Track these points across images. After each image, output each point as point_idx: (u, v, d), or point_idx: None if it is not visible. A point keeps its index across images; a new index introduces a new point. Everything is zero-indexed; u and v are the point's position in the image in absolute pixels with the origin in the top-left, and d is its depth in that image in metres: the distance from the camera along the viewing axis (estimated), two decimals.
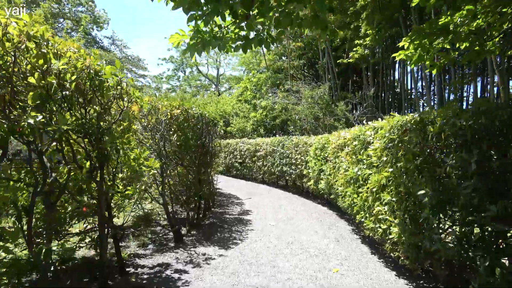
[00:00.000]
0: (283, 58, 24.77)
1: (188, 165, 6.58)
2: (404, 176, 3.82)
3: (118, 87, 3.67)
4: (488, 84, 15.70)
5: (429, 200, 3.22)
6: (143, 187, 4.48)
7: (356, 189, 5.68)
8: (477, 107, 2.84)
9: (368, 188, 4.89)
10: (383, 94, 20.49)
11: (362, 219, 5.33)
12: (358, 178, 5.56)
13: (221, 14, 3.60)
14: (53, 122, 2.85)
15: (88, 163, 3.73)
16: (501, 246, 2.63)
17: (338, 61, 18.85)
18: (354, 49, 16.84)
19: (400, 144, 3.96)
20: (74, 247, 4.32)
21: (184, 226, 6.45)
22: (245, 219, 7.57)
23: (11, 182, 2.82)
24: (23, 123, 2.56)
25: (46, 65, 2.74)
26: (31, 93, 2.57)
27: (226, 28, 3.98)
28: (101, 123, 3.80)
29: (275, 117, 19.74)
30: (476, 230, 2.87)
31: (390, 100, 20.64)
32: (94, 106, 3.52)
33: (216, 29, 3.91)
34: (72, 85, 3.06)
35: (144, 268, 4.51)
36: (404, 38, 4.32)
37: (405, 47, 4.39)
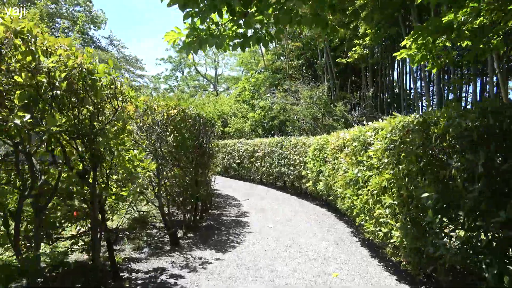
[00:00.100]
0: (282, 58, 24.66)
1: (185, 166, 6.45)
2: (407, 179, 3.71)
3: (112, 86, 3.54)
4: (487, 84, 15.65)
5: (433, 203, 3.11)
6: (138, 189, 4.36)
7: (356, 191, 5.57)
8: (484, 107, 2.73)
9: (368, 190, 4.78)
10: (381, 94, 20.42)
11: (362, 222, 5.22)
12: (358, 179, 5.45)
13: (218, 11, 3.49)
14: (43, 123, 2.73)
15: (81, 165, 3.62)
16: (510, 253, 2.52)
17: (337, 60, 18.76)
18: (353, 48, 16.76)
19: (402, 146, 3.85)
20: (66, 251, 4.20)
21: (181, 229, 6.32)
22: (243, 221, 7.45)
23: None
24: (10, 124, 2.45)
25: (34, 63, 2.61)
26: (18, 92, 2.45)
27: (223, 26, 3.86)
28: (94, 124, 3.69)
29: (274, 117, 19.63)
30: (482, 235, 2.77)
31: (389, 100, 20.58)
32: (87, 106, 3.40)
33: (213, 26, 3.79)
34: (63, 84, 2.94)
35: (138, 273, 4.38)
36: (406, 37, 4.21)
37: (407, 46, 4.29)
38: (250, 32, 3.76)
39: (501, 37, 3.76)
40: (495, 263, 2.48)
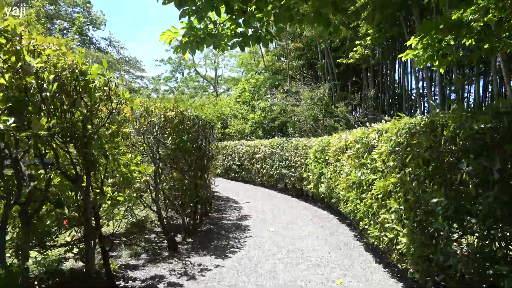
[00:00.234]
0: (282, 59, 24.53)
1: (184, 169, 6.30)
2: (414, 183, 3.55)
3: (105, 87, 3.39)
4: (489, 84, 15.51)
5: (443, 210, 2.95)
6: (134, 194, 4.20)
7: (359, 195, 5.41)
8: (498, 108, 2.58)
9: (372, 194, 4.62)
10: (383, 95, 20.27)
11: (366, 226, 5.07)
12: (361, 183, 5.30)
13: (216, 9, 3.34)
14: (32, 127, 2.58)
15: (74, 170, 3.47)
16: None
17: (338, 61, 18.61)
18: (354, 49, 16.61)
19: (408, 148, 3.70)
20: (60, 258, 4.06)
21: (180, 233, 6.17)
22: (243, 224, 7.30)
23: None
24: None
25: (20, 63, 2.46)
26: (0, 95, 2.30)
27: (221, 25, 3.71)
28: (88, 127, 3.54)
29: (274, 118, 19.47)
30: (496, 243, 2.61)
31: (390, 101, 20.42)
32: (79, 109, 3.25)
33: (211, 25, 3.64)
34: (52, 86, 2.79)
35: (135, 281, 4.23)
36: (412, 37, 4.06)
37: (413, 46, 4.13)
38: (249, 31, 3.61)
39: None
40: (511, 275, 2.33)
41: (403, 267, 3.98)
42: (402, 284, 4.15)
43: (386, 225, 4.20)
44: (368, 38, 14.95)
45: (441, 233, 3.10)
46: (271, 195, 11.62)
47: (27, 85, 2.74)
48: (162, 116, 5.41)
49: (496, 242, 2.59)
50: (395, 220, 4.04)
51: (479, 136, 2.66)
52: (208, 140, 7.60)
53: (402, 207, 3.81)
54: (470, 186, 2.73)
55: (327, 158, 8.11)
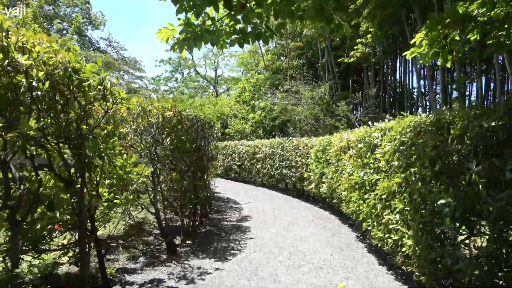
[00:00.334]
0: (282, 58, 24.40)
1: (183, 170, 6.18)
2: (419, 183, 3.43)
3: (99, 86, 3.27)
4: (491, 82, 15.39)
5: (451, 211, 2.83)
6: (131, 196, 4.08)
7: (362, 195, 5.30)
8: (509, 105, 2.46)
9: (376, 194, 4.50)
10: (384, 94, 20.14)
11: (369, 228, 4.95)
12: (364, 183, 5.18)
13: (214, 4, 3.23)
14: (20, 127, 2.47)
15: (72, 172, 3.36)
16: None
17: (339, 60, 18.48)
18: (355, 47, 16.47)
19: (413, 147, 3.58)
20: (55, 262, 3.94)
21: (179, 235, 6.05)
22: (244, 226, 7.18)
23: None
24: None
25: (7, 60, 2.35)
26: None
27: (220, 22, 3.59)
28: (82, 127, 3.43)
29: (275, 117, 19.34)
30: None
31: (391, 100, 20.29)
32: (73, 108, 3.13)
33: (209, 22, 3.52)
34: (42, 85, 2.67)
35: (132, 286, 4.11)
36: (417, 34, 3.94)
37: (417, 44, 4.02)
38: (249, 28, 3.49)
39: None
40: None
41: (409, 270, 3.86)
42: (407, 287, 4.03)
43: (391, 227, 4.07)
44: (369, 36, 14.82)
45: (449, 235, 2.98)
46: (271, 196, 11.50)
47: (17, 84, 2.63)
48: (160, 116, 5.29)
49: (508, 245, 2.47)
50: (400, 221, 3.93)
51: (490, 134, 2.55)
52: (208, 140, 7.48)
53: (407, 208, 3.69)
54: (480, 186, 2.61)
55: (328, 158, 7.99)
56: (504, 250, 2.51)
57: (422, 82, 18.00)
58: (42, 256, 4.06)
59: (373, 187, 4.82)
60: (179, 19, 3.52)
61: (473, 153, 2.78)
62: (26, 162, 2.93)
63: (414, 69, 17.80)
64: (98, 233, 5.60)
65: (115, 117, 3.95)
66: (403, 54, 4.30)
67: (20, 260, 3.94)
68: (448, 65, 3.94)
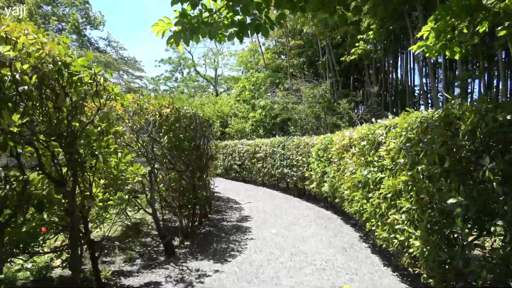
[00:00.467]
0: (282, 56, 24.24)
1: (181, 169, 6.03)
2: (427, 181, 3.27)
3: (90, 81, 3.12)
4: (494, 79, 15.21)
5: (462, 211, 2.67)
6: (126, 196, 3.93)
7: (366, 194, 5.14)
8: None
9: (380, 193, 4.34)
10: (385, 92, 19.98)
11: (373, 228, 4.79)
12: (368, 181, 5.02)
13: None
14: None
15: (63, 171, 3.20)
16: None
17: (341, 59, 18.30)
18: (357, 44, 16.29)
19: (421, 144, 3.42)
20: (47, 265, 3.80)
21: (177, 236, 5.90)
22: (244, 226, 7.02)
23: None
24: None
25: None
26: None
27: (217, 14, 3.44)
28: (74, 124, 3.28)
29: (275, 116, 19.15)
30: None
31: (393, 98, 20.12)
32: (63, 104, 2.98)
33: (206, 14, 3.36)
34: (28, 78, 2.52)
35: None
36: (423, 27, 3.78)
37: (424, 37, 3.86)
38: (248, 20, 3.33)
39: None
40: None
41: (416, 272, 3.70)
42: None
43: (396, 227, 3.91)
44: (371, 33, 14.64)
45: (460, 235, 2.83)
46: (272, 195, 11.35)
47: (1, 78, 2.47)
48: (157, 113, 5.13)
49: None
50: (406, 221, 3.76)
51: (505, 129, 2.39)
52: (207, 138, 7.32)
53: (414, 207, 3.53)
54: (494, 184, 2.45)
55: (330, 156, 7.84)
56: None
57: (424, 80, 17.83)
58: (35, 259, 3.93)
59: (377, 186, 4.67)
60: (175, 11, 3.36)
61: (486, 149, 2.62)
62: (13, 161, 2.78)
63: (416, 67, 17.64)
64: (94, 234, 5.47)
65: (111, 114, 3.81)
66: (410, 49, 4.16)
67: (12, 263, 3.81)
68: (457, 57, 3.78)
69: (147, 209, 5.15)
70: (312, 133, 14.94)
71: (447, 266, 3.13)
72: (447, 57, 3.83)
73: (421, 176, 3.38)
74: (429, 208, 3.30)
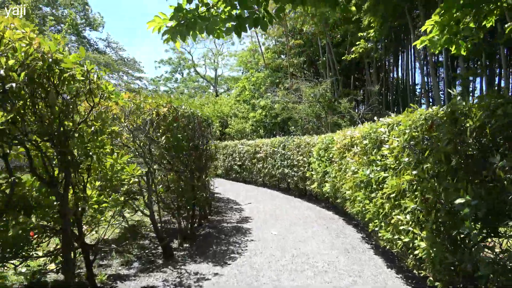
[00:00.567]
0: (282, 56, 24.13)
1: (180, 170, 5.90)
2: (433, 180, 3.15)
3: (82, 78, 3.00)
4: (495, 77, 15.08)
5: (471, 211, 2.55)
6: (122, 198, 3.81)
7: (368, 194, 5.02)
8: None
9: (384, 193, 4.22)
10: (386, 91, 19.85)
11: (376, 228, 4.67)
12: (370, 181, 4.90)
13: None
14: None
15: (56, 172, 3.09)
16: None
17: (342, 58, 18.18)
18: (357, 42, 16.17)
19: (426, 142, 3.30)
20: (41, 269, 3.68)
21: (176, 238, 5.78)
22: (244, 227, 6.90)
23: None
24: None
25: None
26: None
27: (215, 8, 3.32)
28: (67, 123, 3.16)
29: (276, 115, 19.02)
30: None
31: (394, 96, 20.00)
32: (53, 102, 2.86)
33: (203, 8, 3.25)
34: (18, 76, 2.40)
35: None
36: (427, 21, 3.66)
37: (428, 31, 3.73)
38: (246, 13, 3.21)
39: None
40: None
41: (422, 274, 3.57)
42: None
43: (401, 227, 3.79)
44: (372, 31, 14.52)
45: (469, 237, 2.70)
46: (273, 196, 11.23)
47: None
48: (154, 113, 5.01)
49: None
50: (411, 222, 3.64)
51: None
52: (206, 138, 7.20)
53: (419, 207, 3.41)
54: (505, 183, 2.33)
55: (331, 156, 7.72)
56: None
57: (425, 78, 17.71)
58: (29, 263, 3.81)
59: (381, 186, 4.54)
60: (171, 6, 3.25)
61: (496, 146, 2.50)
62: None
63: (417, 65, 17.54)
64: (91, 237, 5.35)
65: (107, 113, 3.70)
66: (413, 44, 4.03)
67: (5, 268, 3.69)
68: (463, 52, 3.66)
69: (145, 211, 5.03)
70: (313, 132, 14.81)
71: (455, 269, 3.00)
72: (452, 52, 3.71)
73: (427, 175, 3.26)
74: (435, 208, 3.18)
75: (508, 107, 2.31)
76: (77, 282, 3.86)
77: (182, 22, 3.15)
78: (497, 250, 2.57)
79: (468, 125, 2.78)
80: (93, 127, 3.41)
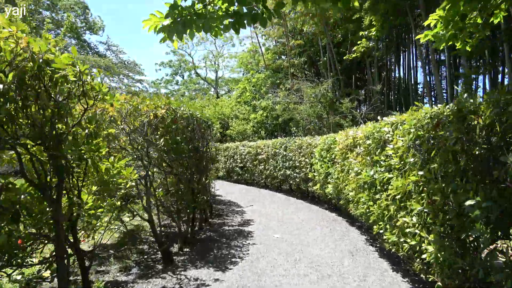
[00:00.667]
0: (283, 57, 24.03)
1: (179, 172, 5.79)
2: (440, 181, 3.03)
3: (75, 79, 2.89)
4: (498, 75, 14.93)
5: (482, 214, 2.42)
6: (118, 203, 3.70)
7: (372, 195, 4.89)
8: None
9: (389, 194, 4.09)
10: (388, 91, 19.72)
11: (381, 231, 4.53)
12: (374, 182, 4.77)
13: None
14: None
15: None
16: None
17: (344, 58, 18.06)
18: (358, 42, 16.05)
19: (432, 141, 3.18)
20: (36, 277, 3.57)
21: (176, 243, 5.66)
22: (246, 230, 6.77)
23: None
24: None
25: None
26: None
27: (212, 5, 3.21)
28: (58, 126, 3.05)
29: (277, 116, 18.89)
30: None
31: (396, 96, 19.86)
32: (44, 104, 2.76)
33: (200, 5, 3.14)
34: (6, 77, 2.30)
35: None
36: (431, 15, 3.54)
37: (431, 26, 3.61)
38: (244, 10, 3.10)
39: None
40: None
41: (430, 279, 3.44)
42: None
43: (407, 230, 3.66)
44: (373, 29, 14.40)
45: (479, 240, 2.58)
46: (275, 198, 11.10)
47: None
48: (151, 114, 4.90)
49: None
50: (417, 225, 3.51)
51: None
52: (207, 140, 7.09)
53: (426, 209, 3.28)
54: None
55: (333, 157, 7.59)
56: None
57: (427, 77, 17.57)
58: (23, 270, 3.70)
59: (385, 187, 4.41)
60: (166, 3, 3.15)
61: (506, 145, 2.38)
62: None
63: (419, 64, 17.41)
64: (89, 243, 5.24)
65: (103, 115, 3.59)
66: (416, 38, 3.90)
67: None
68: (469, 49, 3.54)
69: (143, 215, 4.91)
70: (315, 133, 14.69)
71: (465, 274, 2.88)
72: (457, 47, 3.59)
73: (434, 176, 3.14)
74: (443, 210, 3.05)
75: None
76: None
77: (178, 19, 3.04)
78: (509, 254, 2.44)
79: (476, 123, 2.66)
80: (87, 130, 3.31)
